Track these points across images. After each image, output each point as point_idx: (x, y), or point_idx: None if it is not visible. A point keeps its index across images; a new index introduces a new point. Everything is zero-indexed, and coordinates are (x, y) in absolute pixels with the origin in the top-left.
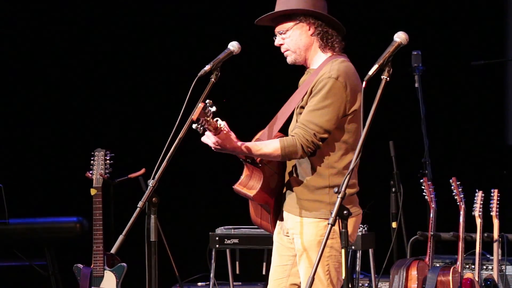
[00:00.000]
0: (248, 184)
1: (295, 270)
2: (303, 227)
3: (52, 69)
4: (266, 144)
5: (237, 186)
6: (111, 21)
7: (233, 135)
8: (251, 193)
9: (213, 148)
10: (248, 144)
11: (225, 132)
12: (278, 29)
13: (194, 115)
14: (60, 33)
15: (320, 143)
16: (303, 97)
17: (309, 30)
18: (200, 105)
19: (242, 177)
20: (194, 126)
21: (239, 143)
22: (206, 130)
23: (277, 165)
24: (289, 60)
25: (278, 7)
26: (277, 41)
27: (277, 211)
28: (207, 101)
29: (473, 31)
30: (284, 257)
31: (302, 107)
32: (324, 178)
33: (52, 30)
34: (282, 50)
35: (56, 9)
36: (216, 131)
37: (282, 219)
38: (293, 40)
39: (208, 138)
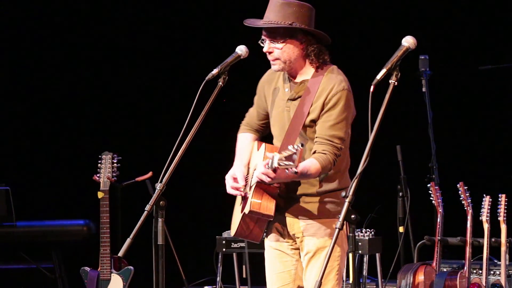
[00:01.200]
0: (262, 205)
1: (299, 273)
2: (317, 229)
3: (60, 72)
4: (309, 167)
5: (253, 209)
6: (120, 25)
7: None
8: (270, 212)
9: (266, 183)
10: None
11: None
12: (271, 37)
13: (297, 162)
14: (72, 36)
15: (341, 153)
16: (309, 110)
17: (301, 45)
18: (301, 150)
19: (253, 199)
20: (283, 164)
21: (290, 174)
22: (291, 172)
23: None
24: (277, 68)
25: (273, 15)
26: (267, 48)
27: (272, 220)
28: (302, 145)
29: (480, 36)
30: (287, 263)
31: (313, 121)
32: (333, 182)
33: (64, 34)
34: (271, 58)
35: (68, 14)
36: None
37: (282, 226)
38: (286, 52)
39: (267, 176)
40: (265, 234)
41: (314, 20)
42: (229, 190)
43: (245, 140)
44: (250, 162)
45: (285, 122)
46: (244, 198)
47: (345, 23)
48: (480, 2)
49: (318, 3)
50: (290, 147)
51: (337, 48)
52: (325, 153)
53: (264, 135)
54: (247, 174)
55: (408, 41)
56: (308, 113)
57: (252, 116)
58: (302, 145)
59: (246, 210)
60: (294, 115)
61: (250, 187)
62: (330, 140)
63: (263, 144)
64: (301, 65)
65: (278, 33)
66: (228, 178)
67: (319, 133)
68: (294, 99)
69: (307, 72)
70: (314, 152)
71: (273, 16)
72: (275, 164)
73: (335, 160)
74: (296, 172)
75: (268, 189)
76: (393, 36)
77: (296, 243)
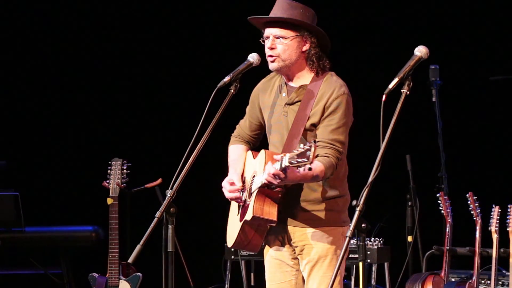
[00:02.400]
0: (264, 210)
1: (300, 283)
2: (317, 237)
3: (70, 78)
4: (315, 168)
5: (256, 215)
6: (131, 31)
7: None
8: (273, 217)
9: (276, 185)
10: (302, 173)
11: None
12: (276, 32)
13: (312, 159)
14: (81, 44)
15: (342, 158)
16: (309, 114)
17: (304, 46)
18: (315, 146)
19: (255, 205)
20: (295, 162)
21: (299, 174)
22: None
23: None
24: (275, 66)
25: (281, 12)
26: (270, 43)
27: (270, 229)
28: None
29: (491, 46)
30: (287, 273)
31: (313, 125)
32: (333, 189)
33: (74, 42)
34: (272, 54)
35: (81, 24)
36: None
37: (282, 235)
38: (289, 50)
39: (278, 176)
40: (264, 243)
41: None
42: (228, 194)
43: (237, 151)
44: (245, 172)
45: (283, 126)
46: (243, 207)
47: (355, 32)
48: (491, 12)
49: (327, 12)
50: (301, 145)
51: (346, 56)
52: (328, 156)
53: (256, 146)
54: (243, 183)
55: (420, 51)
56: (309, 117)
57: (243, 127)
58: (315, 141)
59: (248, 217)
60: (294, 119)
61: (250, 194)
62: (332, 143)
63: (262, 151)
64: (300, 68)
65: (284, 29)
66: (225, 184)
67: (321, 137)
68: (292, 104)
69: (305, 76)
70: (317, 156)
71: (280, 13)
72: (286, 163)
73: (337, 164)
74: (310, 169)
75: (271, 194)
76: (404, 46)
77: (296, 253)
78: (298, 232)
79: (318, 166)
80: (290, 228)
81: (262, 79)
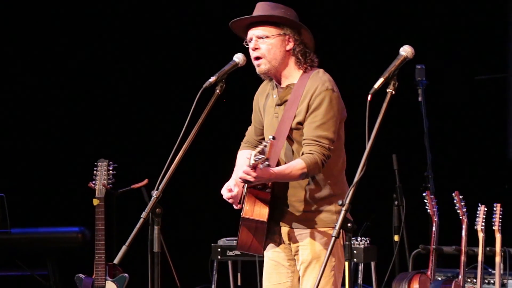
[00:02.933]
0: (255, 211)
1: (296, 284)
2: (311, 238)
3: (55, 78)
4: (293, 166)
5: (245, 216)
6: (116, 31)
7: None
8: (264, 219)
9: (251, 182)
10: (279, 170)
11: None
12: (258, 32)
13: (268, 154)
14: (65, 43)
15: (331, 154)
16: (296, 113)
17: (288, 44)
18: (271, 142)
19: (246, 206)
20: (257, 159)
21: (273, 172)
22: (264, 166)
23: (274, 184)
24: (262, 69)
25: (261, 14)
26: (254, 44)
27: (268, 230)
28: (272, 137)
29: (477, 46)
30: (283, 275)
31: (300, 123)
32: (327, 187)
33: (58, 40)
34: (256, 55)
35: (62, 20)
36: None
37: (278, 236)
38: (273, 49)
39: (249, 174)
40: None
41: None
42: (226, 197)
43: (243, 156)
44: None
45: (275, 127)
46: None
47: (341, 32)
48: (477, 12)
49: (313, 13)
50: (263, 142)
51: (332, 56)
52: (311, 153)
53: None
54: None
55: (405, 51)
56: (295, 116)
57: (250, 133)
58: (273, 138)
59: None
60: (281, 119)
61: (244, 196)
62: (317, 140)
63: None
64: (287, 68)
65: (266, 28)
66: (223, 190)
67: (306, 134)
68: (281, 104)
69: (293, 75)
70: (302, 154)
71: (261, 14)
72: (252, 161)
73: (323, 160)
74: (268, 165)
75: (260, 194)
76: (389, 46)
77: (292, 253)
78: (292, 233)
79: (298, 163)
80: (284, 228)
81: (261, 84)
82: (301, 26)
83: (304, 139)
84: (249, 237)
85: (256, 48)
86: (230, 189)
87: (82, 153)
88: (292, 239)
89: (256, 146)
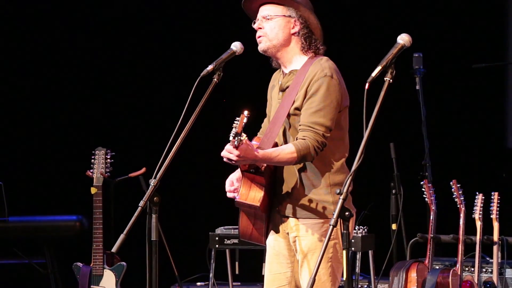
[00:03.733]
0: (250, 195)
1: (296, 273)
2: (309, 228)
3: (52, 67)
4: (282, 150)
5: (239, 200)
6: (112, 20)
7: (252, 146)
8: (256, 203)
9: (234, 161)
10: (266, 152)
11: (246, 144)
12: (263, 12)
13: (239, 128)
14: (61, 32)
15: (327, 142)
16: (294, 98)
17: (293, 28)
18: (242, 116)
19: (241, 189)
20: (235, 138)
21: (258, 153)
22: (240, 144)
23: (273, 170)
24: (262, 46)
25: None
26: (258, 24)
27: (269, 219)
28: (246, 112)
29: (474, 34)
30: (283, 264)
31: (297, 109)
32: (325, 177)
33: (54, 29)
34: (259, 34)
35: (57, 7)
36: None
37: (278, 225)
38: (276, 29)
39: (230, 152)
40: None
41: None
42: (228, 194)
43: None
44: None
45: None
46: None
47: (338, 20)
48: None
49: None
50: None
51: (329, 44)
52: (304, 139)
53: None
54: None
55: (403, 39)
56: (293, 102)
57: (265, 124)
58: (245, 112)
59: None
60: (280, 104)
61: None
62: (311, 126)
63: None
64: (291, 52)
65: (272, 9)
66: (226, 183)
67: (302, 120)
68: (283, 90)
69: (297, 61)
70: (296, 139)
71: None
72: (230, 138)
73: (316, 147)
74: (240, 140)
75: (255, 179)
76: (387, 34)
77: (291, 242)
78: (290, 222)
79: (288, 147)
80: (283, 218)
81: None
82: (307, 10)
83: (299, 125)
84: (249, 225)
85: (260, 28)
86: (232, 182)
87: (80, 142)
88: (290, 228)
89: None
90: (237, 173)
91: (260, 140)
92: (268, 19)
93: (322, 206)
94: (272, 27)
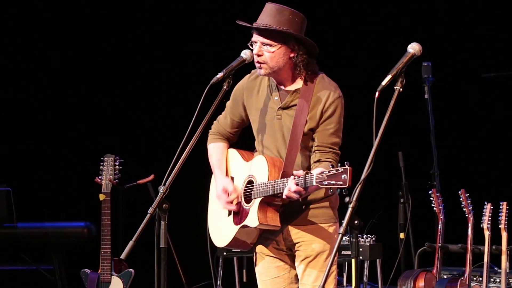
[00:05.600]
0: (268, 217)
1: (293, 277)
2: (310, 234)
3: (62, 73)
4: None
5: (262, 223)
6: (123, 27)
7: None
8: (277, 223)
9: (295, 199)
10: (313, 185)
11: None
12: (263, 40)
13: (349, 182)
14: (72, 40)
15: None
16: (307, 118)
17: (291, 54)
18: (350, 169)
19: (259, 213)
20: (337, 188)
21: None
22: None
23: None
24: (263, 72)
25: (268, 19)
26: (257, 50)
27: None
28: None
29: (484, 43)
30: (280, 268)
31: (311, 130)
32: None
33: (68, 35)
34: (259, 60)
35: (69, 15)
36: None
37: (275, 232)
38: (275, 58)
39: (298, 193)
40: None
41: (305, 31)
42: (225, 206)
43: (219, 149)
44: (230, 171)
45: (276, 130)
46: (236, 210)
47: (348, 29)
48: (484, 9)
49: (323, 9)
50: (330, 166)
51: (341, 53)
52: (330, 161)
53: (233, 142)
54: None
55: (413, 48)
56: (306, 122)
57: (223, 124)
58: (349, 164)
59: (252, 224)
60: (293, 125)
61: (249, 200)
62: (332, 148)
63: (261, 156)
64: (290, 73)
65: (271, 37)
66: (221, 194)
67: (320, 141)
68: (286, 108)
69: (297, 80)
70: (318, 161)
71: (268, 20)
72: (313, 183)
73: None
74: (346, 190)
75: (273, 201)
76: (397, 43)
77: (289, 250)
78: (290, 230)
79: None
80: (284, 226)
81: (246, 76)
82: (305, 39)
83: (317, 145)
84: (245, 237)
85: (259, 55)
86: (230, 193)
87: (89, 148)
88: (290, 236)
89: (228, 139)
90: (224, 181)
91: (279, 161)
92: (268, 47)
93: (322, 211)
94: (272, 56)
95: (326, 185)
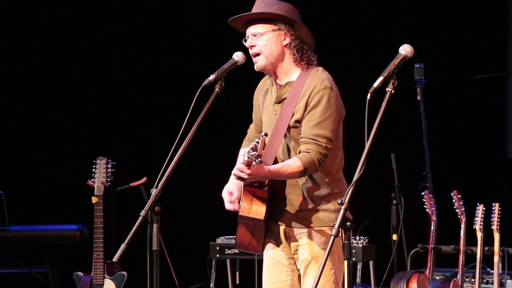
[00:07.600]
0: (252, 209)
1: (295, 283)
2: (310, 237)
3: (54, 76)
4: (289, 165)
5: (242, 214)
6: (114, 29)
7: (263, 164)
8: (260, 217)
9: (245, 179)
10: (275, 168)
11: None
12: (253, 30)
13: (260, 151)
14: (65, 41)
15: (328, 153)
16: (294, 111)
17: (284, 40)
18: (263, 139)
19: (243, 203)
20: (250, 156)
21: (268, 170)
22: (256, 162)
23: (271, 182)
24: (260, 65)
25: (255, 10)
26: (249, 43)
27: (267, 229)
28: (264, 133)
29: (475, 45)
30: (282, 273)
31: (298, 121)
32: (325, 186)
33: (58, 38)
34: (253, 52)
35: (61, 19)
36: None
37: (278, 234)
38: (268, 44)
39: (242, 171)
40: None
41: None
42: (227, 206)
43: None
44: None
45: (273, 126)
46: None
47: (340, 30)
48: (475, 11)
49: (313, 10)
50: (256, 139)
51: (330, 55)
52: (308, 152)
53: None
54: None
55: (405, 49)
56: (293, 114)
57: (251, 130)
58: (265, 134)
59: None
60: (279, 117)
61: (242, 194)
62: (314, 139)
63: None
64: (285, 64)
65: (261, 27)
66: (225, 194)
67: (303, 133)
68: (279, 102)
69: (292, 73)
70: (299, 152)
71: (254, 11)
72: (246, 158)
73: (320, 159)
74: (260, 161)
75: (257, 192)
76: (388, 44)
77: (291, 252)
78: (291, 232)
79: (294, 162)
80: (283, 227)
81: (261, 80)
82: (294, 21)
83: (301, 137)
84: (247, 236)
85: (252, 46)
86: (231, 192)
87: (81, 151)
88: (291, 238)
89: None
90: (232, 182)
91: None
92: (258, 36)
93: (323, 214)
94: (264, 43)
95: (249, 157)
